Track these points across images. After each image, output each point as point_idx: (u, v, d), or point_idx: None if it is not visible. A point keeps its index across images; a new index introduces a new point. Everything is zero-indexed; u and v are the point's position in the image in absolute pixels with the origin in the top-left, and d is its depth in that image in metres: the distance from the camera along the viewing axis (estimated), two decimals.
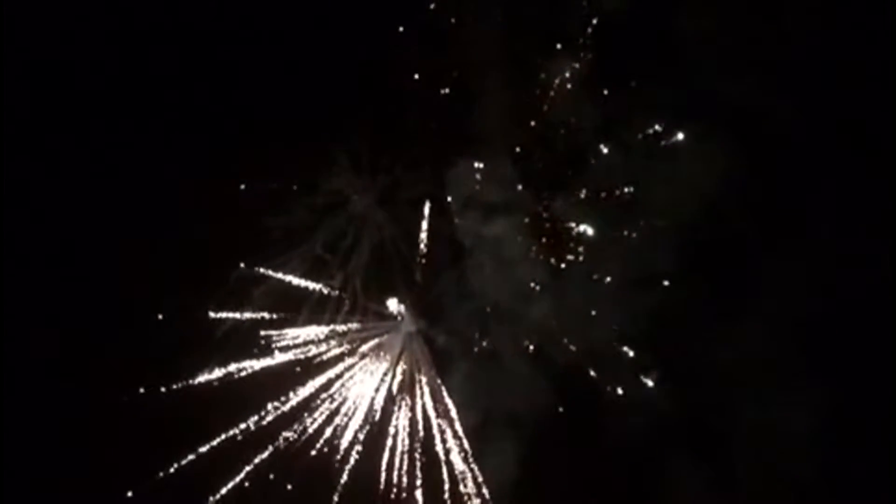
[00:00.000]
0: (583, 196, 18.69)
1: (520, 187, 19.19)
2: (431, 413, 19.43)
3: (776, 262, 17.05)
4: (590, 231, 18.88)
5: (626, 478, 18.24)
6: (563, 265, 18.86)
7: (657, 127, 18.39)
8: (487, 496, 18.44)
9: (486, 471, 18.35)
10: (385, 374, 20.00)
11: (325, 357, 20.08)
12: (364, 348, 20.15)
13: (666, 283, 17.89)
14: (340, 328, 20.04)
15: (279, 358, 19.84)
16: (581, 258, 18.77)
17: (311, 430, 19.49)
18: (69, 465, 19.02)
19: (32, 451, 18.81)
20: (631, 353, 18.35)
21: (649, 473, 17.69)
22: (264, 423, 19.31)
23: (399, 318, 20.26)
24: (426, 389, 19.68)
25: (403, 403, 19.65)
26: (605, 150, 18.42)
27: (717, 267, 17.75)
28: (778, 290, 16.73)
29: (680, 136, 18.30)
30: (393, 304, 20.25)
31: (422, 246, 20.17)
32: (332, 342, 20.00)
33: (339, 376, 19.87)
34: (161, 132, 19.87)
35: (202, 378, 19.39)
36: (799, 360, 16.45)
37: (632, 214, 18.45)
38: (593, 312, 18.30)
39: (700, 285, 17.52)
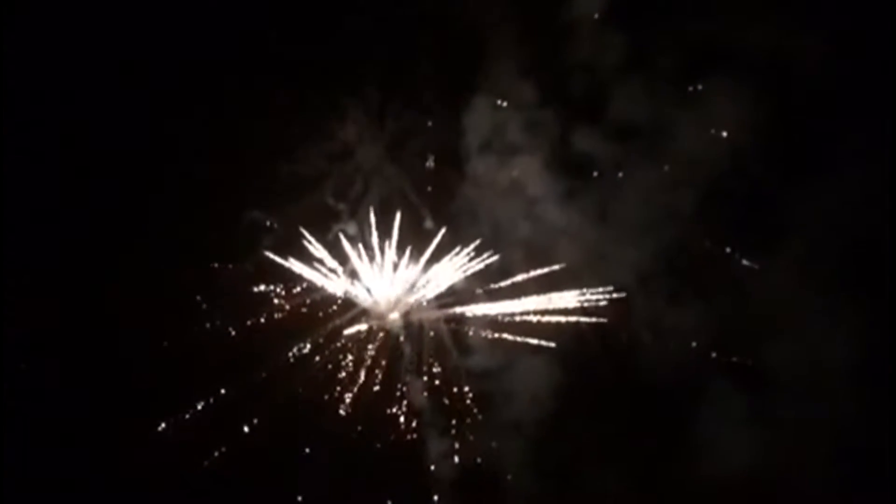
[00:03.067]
0: (603, 135, 18.19)
1: (538, 128, 18.65)
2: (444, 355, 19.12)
3: (803, 199, 16.57)
4: (611, 169, 18.41)
5: (659, 413, 17.72)
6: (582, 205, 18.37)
7: (681, 67, 17.71)
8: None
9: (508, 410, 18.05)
10: (394, 322, 19.70)
11: (334, 306, 19.84)
12: (373, 295, 19.83)
13: (691, 220, 17.37)
14: (350, 277, 19.79)
15: (285, 307, 19.63)
16: (602, 197, 18.29)
17: (318, 380, 19.14)
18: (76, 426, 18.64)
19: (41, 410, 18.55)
20: (658, 288, 17.88)
21: (681, 409, 17.18)
22: (272, 371, 18.98)
23: (409, 266, 19.81)
24: (436, 334, 19.38)
25: (414, 349, 19.32)
26: (628, 90, 17.78)
27: (743, 204, 17.29)
28: (806, 225, 16.29)
29: (704, 76, 17.69)
30: (404, 252, 19.80)
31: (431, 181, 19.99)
32: (342, 288, 19.73)
33: (347, 324, 19.57)
34: (170, 76, 19.57)
35: (211, 324, 19.25)
36: (832, 295, 15.96)
37: (655, 153, 17.93)
38: (617, 248, 17.92)
39: (726, 222, 17.08)
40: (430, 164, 20.13)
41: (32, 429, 18.21)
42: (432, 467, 17.91)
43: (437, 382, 18.77)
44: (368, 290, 19.82)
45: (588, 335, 18.44)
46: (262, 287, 19.91)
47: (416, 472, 18.09)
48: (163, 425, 18.75)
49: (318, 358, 19.29)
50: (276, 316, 19.72)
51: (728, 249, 17.91)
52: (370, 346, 19.44)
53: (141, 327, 19.20)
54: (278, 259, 19.49)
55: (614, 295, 18.33)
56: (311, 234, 19.67)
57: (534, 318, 18.62)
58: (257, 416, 18.75)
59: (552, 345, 18.05)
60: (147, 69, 19.57)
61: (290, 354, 19.28)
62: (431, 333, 19.37)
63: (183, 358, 19.03)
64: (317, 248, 19.65)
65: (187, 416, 18.67)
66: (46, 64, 19.11)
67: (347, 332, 19.43)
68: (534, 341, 18.27)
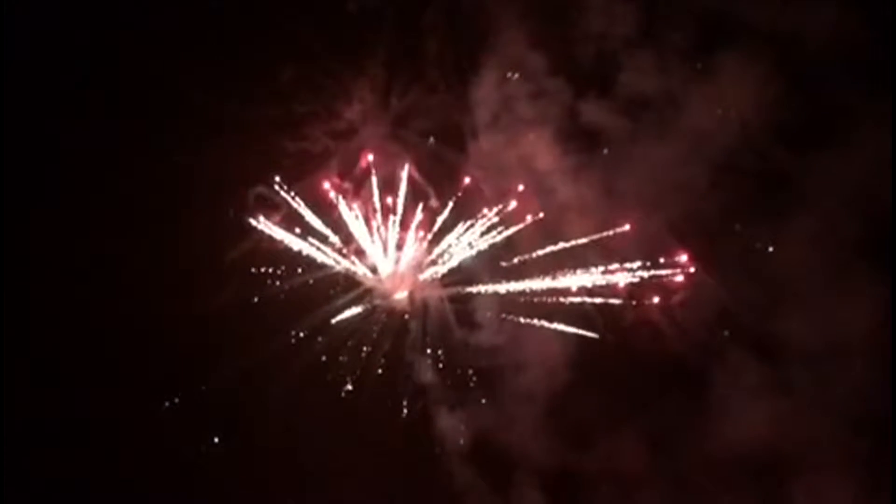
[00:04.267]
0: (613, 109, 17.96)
1: (546, 103, 18.39)
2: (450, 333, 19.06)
3: (816, 172, 16.54)
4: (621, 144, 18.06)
5: (673, 385, 17.63)
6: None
7: (692, 40, 17.49)
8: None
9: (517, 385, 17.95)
10: (399, 301, 19.55)
11: (338, 286, 19.63)
12: (379, 274, 19.68)
13: (703, 192, 17.22)
14: (354, 256, 19.62)
15: (291, 282, 19.40)
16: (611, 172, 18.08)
17: (323, 359, 19.11)
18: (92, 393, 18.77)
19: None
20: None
21: (696, 381, 17.21)
22: (275, 351, 18.91)
23: (414, 244, 19.65)
24: (441, 310, 19.26)
25: (420, 327, 19.23)
26: (638, 64, 17.62)
27: (755, 178, 17.15)
28: (819, 198, 16.27)
29: (715, 49, 17.41)
30: (409, 231, 19.62)
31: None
32: (346, 267, 19.53)
33: (352, 303, 19.42)
34: (177, 54, 19.23)
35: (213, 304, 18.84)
36: (846, 266, 15.99)
37: (664, 125, 17.67)
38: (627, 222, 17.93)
39: (738, 196, 17.02)
40: (431, 142, 19.89)
41: (35, 412, 18.24)
42: (441, 446, 17.92)
43: (441, 361, 18.69)
44: (374, 269, 19.64)
45: (599, 311, 18.36)
46: (266, 266, 19.67)
47: (424, 450, 18.07)
48: (166, 404, 18.67)
49: (320, 338, 19.15)
50: (279, 296, 19.48)
51: (741, 221, 17.76)
52: (375, 326, 19.28)
53: (141, 309, 19.06)
54: (282, 237, 19.30)
55: (626, 273, 18.27)
56: (315, 212, 19.47)
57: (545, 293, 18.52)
58: (261, 395, 18.69)
59: (568, 329, 18.00)
60: (151, 47, 19.35)
61: (294, 334, 19.09)
62: (436, 312, 19.21)
63: (185, 338, 18.89)
64: (321, 227, 19.46)
65: (193, 396, 18.72)
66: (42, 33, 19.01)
67: (352, 311, 19.27)
68: (545, 317, 18.22)
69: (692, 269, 17.76)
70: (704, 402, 16.58)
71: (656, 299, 18.03)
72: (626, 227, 18.08)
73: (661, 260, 18.12)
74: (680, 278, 17.79)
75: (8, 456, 17.58)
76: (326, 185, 19.48)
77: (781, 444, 15.87)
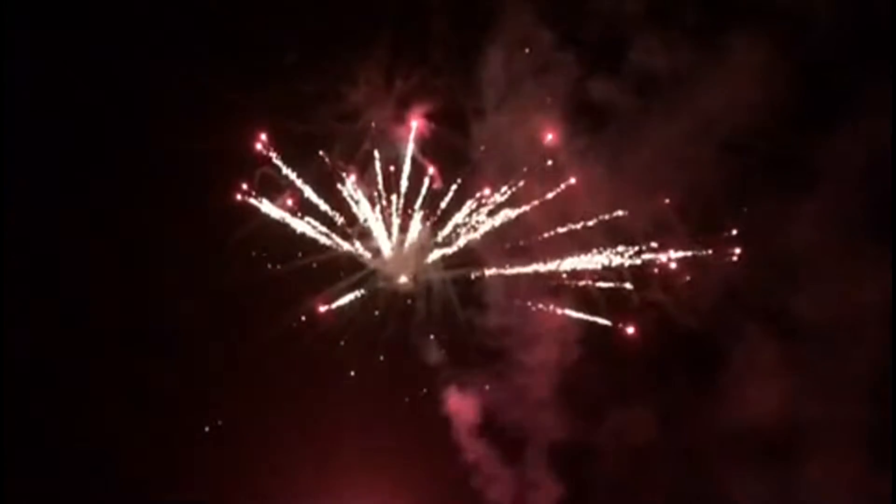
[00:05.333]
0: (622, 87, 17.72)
1: (553, 81, 18.12)
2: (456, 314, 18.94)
3: (826, 150, 16.41)
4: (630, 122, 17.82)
5: (685, 361, 17.70)
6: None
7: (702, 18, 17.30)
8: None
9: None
10: (404, 284, 19.43)
11: (341, 271, 19.48)
12: (383, 256, 19.53)
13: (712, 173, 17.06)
14: (359, 238, 19.46)
15: (293, 264, 19.29)
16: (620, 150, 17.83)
17: (327, 342, 19.04)
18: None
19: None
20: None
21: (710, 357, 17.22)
22: (280, 333, 18.83)
23: (419, 226, 19.46)
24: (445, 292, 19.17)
25: (425, 309, 19.14)
26: (647, 40, 17.41)
27: (765, 155, 17.00)
28: (830, 175, 16.15)
29: (725, 27, 17.26)
30: (414, 213, 19.42)
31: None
32: (351, 249, 19.41)
33: (356, 285, 19.29)
34: (178, 39, 19.22)
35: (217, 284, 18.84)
36: (858, 243, 15.93)
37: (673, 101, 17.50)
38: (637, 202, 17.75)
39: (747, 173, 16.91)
40: (432, 127, 19.73)
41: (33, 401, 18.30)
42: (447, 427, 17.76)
43: (447, 341, 18.62)
44: (377, 252, 19.45)
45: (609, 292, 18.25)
46: (269, 249, 19.49)
47: (429, 433, 17.96)
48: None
49: (323, 322, 19.06)
50: (282, 278, 19.32)
51: (752, 199, 17.65)
52: (378, 309, 19.17)
53: (142, 292, 19.16)
54: (286, 219, 19.16)
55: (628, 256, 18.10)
56: (319, 195, 19.27)
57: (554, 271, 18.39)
58: (263, 379, 18.77)
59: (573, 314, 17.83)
60: (155, 33, 19.24)
61: (297, 317, 18.99)
62: (441, 294, 19.09)
63: (186, 321, 18.84)
64: (325, 209, 19.29)
65: (194, 381, 18.72)
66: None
67: (357, 293, 19.11)
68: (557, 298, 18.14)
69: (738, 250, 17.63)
70: (713, 380, 16.54)
71: (688, 278, 17.90)
72: (666, 200, 17.84)
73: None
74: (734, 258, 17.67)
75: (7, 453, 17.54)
76: (329, 164, 19.30)
77: (791, 421, 15.88)
